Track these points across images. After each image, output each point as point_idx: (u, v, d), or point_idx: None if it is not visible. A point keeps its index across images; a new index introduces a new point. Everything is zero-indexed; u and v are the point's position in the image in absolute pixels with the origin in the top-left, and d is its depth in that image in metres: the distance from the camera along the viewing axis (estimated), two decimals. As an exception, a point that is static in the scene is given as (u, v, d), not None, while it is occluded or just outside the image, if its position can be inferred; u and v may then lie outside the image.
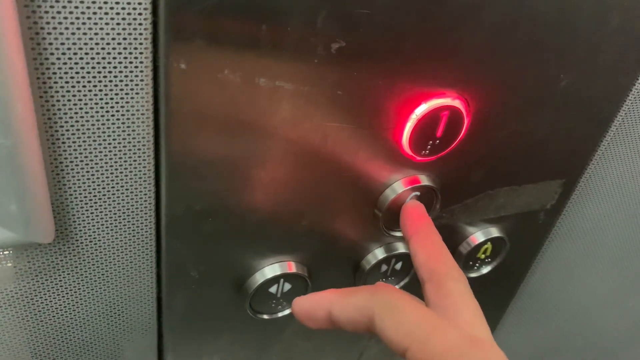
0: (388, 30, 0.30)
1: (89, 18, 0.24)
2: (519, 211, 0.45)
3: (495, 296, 0.54)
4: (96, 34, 0.25)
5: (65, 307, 0.34)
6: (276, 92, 0.30)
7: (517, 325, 0.60)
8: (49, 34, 0.24)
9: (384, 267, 0.42)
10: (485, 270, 0.47)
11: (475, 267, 0.47)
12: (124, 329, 0.37)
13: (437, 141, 0.36)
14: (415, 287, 0.45)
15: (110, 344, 0.38)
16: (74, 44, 0.24)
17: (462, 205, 0.42)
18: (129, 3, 0.25)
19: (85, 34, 0.24)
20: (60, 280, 0.32)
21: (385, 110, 0.33)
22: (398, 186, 0.37)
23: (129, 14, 0.25)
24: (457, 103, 0.34)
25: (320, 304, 0.30)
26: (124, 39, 0.25)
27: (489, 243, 0.45)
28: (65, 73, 0.25)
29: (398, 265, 0.43)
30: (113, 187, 0.30)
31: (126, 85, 0.27)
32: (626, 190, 0.49)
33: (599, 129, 0.42)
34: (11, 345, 0.34)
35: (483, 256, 0.46)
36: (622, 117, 0.42)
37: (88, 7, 0.24)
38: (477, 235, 0.45)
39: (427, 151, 0.36)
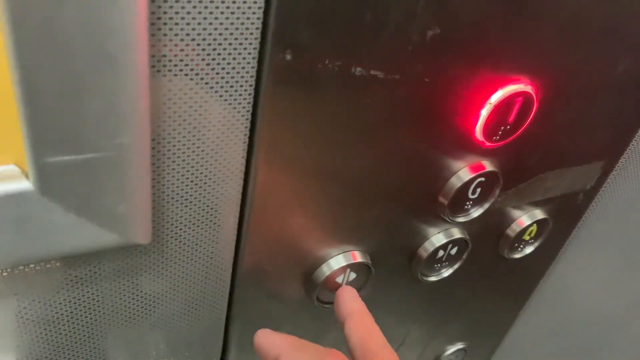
0: (478, 18, 0.30)
1: (202, 13, 0.23)
2: (562, 193, 0.46)
3: (527, 273, 0.55)
4: (210, 25, 0.24)
5: (147, 303, 0.33)
6: (369, 80, 0.29)
7: (541, 303, 0.62)
8: (168, 30, 0.22)
9: (440, 253, 0.43)
10: (529, 250, 0.49)
11: (520, 249, 0.48)
12: (195, 321, 0.36)
13: (508, 127, 0.36)
14: (466, 270, 0.46)
15: (181, 337, 0.37)
16: (191, 38, 0.23)
17: (516, 189, 0.42)
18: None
19: (201, 29, 0.23)
20: (146, 279, 0.31)
21: (464, 97, 0.33)
22: (464, 173, 0.38)
23: (240, 7, 0.24)
24: (529, 89, 0.35)
25: (273, 350, 0.31)
26: (236, 29, 0.24)
27: (534, 225, 0.46)
28: (177, 67, 0.24)
29: (454, 251, 0.43)
30: (205, 183, 0.29)
31: (232, 77, 0.26)
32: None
33: (641, 112, 0.44)
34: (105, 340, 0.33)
35: (528, 237, 0.47)
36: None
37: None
38: (524, 219, 0.45)
39: (498, 137, 0.36)
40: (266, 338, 0.32)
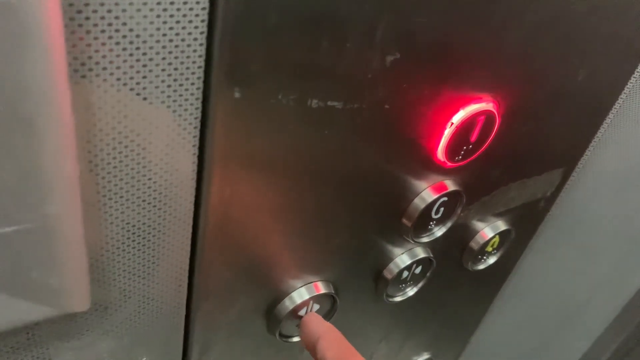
0: (439, 39, 0.28)
1: (139, 60, 0.20)
2: (524, 202, 0.45)
3: (490, 280, 0.55)
4: (145, 67, 0.20)
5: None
6: (326, 112, 0.27)
7: (504, 304, 0.62)
8: (95, 77, 0.19)
9: (405, 274, 0.41)
10: (491, 261, 0.48)
11: (483, 260, 0.47)
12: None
13: (471, 146, 0.34)
14: (430, 286, 0.45)
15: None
16: (122, 82, 0.20)
17: (479, 203, 0.41)
18: (179, 32, 0.21)
19: (135, 72, 0.20)
20: (89, 338, 0.28)
21: (425, 119, 0.31)
22: (427, 194, 0.36)
23: (179, 38, 0.21)
24: (491, 107, 0.33)
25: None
26: (175, 69, 0.21)
27: (497, 236, 0.45)
28: (111, 112, 0.21)
29: (418, 270, 0.42)
30: (149, 233, 0.26)
31: (174, 120, 0.23)
32: (615, 176, 0.51)
33: (599, 118, 0.43)
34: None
35: (490, 249, 0.46)
36: (619, 105, 0.44)
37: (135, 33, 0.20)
38: (487, 231, 0.45)
39: (460, 156, 0.35)
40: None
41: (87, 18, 0.18)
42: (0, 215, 0.18)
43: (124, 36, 0.19)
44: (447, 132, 0.32)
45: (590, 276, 0.73)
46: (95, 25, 0.18)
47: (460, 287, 0.51)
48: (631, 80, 0.42)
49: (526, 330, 0.74)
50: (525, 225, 0.49)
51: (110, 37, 0.19)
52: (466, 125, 0.33)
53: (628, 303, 0.90)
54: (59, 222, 0.20)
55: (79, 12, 0.18)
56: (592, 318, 0.87)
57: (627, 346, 0.99)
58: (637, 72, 0.42)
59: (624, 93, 0.43)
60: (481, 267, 0.48)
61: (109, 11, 0.19)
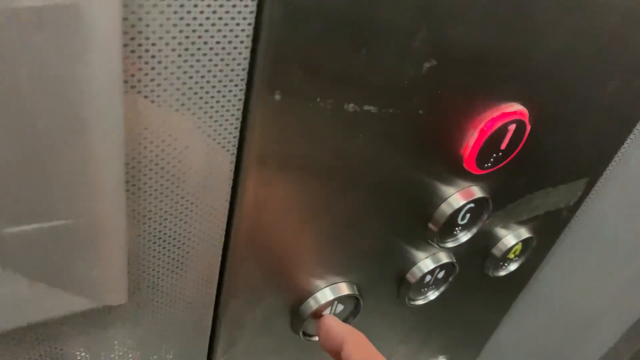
0: (474, 48, 0.28)
1: (189, 50, 0.20)
2: (547, 210, 0.45)
3: (509, 286, 0.55)
4: (191, 66, 0.21)
5: (126, 352, 0.31)
6: (362, 116, 0.27)
7: (521, 310, 0.61)
8: (148, 82, 0.20)
9: (427, 278, 0.41)
10: (513, 267, 0.48)
11: (504, 267, 0.47)
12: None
13: (500, 153, 0.34)
14: (451, 290, 0.45)
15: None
16: (168, 92, 0.21)
17: (504, 211, 0.41)
18: (226, 34, 0.21)
19: (184, 73, 0.21)
20: (123, 332, 0.29)
21: (457, 126, 0.32)
22: (454, 200, 0.36)
23: (224, 44, 0.21)
24: (522, 115, 0.33)
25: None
26: (220, 70, 0.22)
27: (519, 244, 0.45)
28: (157, 106, 0.21)
29: (441, 274, 0.42)
30: (186, 230, 0.27)
31: (216, 121, 0.23)
32: (636, 189, 0.50)
33: (625, 130, 0.43)
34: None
35: (512, 256, 0.46)
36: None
37: (184, 31, 0.20)
38: (509, 238, 0.45)
39: (489, 164, 0.35)
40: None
41: (140, 32, 0.19)
42: (51, 209, 0.19)
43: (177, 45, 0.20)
44: (478, 139, 0.33)
45: (607, 287, 0.73)
46: (147, 38, 0.19)
47: (480, 292, 0.51)
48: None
49: (541, 338, 0.74)
50: (547, 233, 0.49)
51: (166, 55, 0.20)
52: (497, 133, 0.33)
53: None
54: (105, 218, 0.20)
55: (132, 25, 0.18)
56: (607, 328, 0.87)
57: (641, 358, 0.98)
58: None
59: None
60: (502, 273, 0.48)
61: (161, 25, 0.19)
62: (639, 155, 0.48)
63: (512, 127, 0.33)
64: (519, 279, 0.54)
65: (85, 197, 0.19)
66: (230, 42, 0.21)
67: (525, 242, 0.46)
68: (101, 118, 0.17)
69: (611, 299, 0.77)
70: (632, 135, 0.44)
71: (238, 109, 0.24)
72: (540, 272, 0.56)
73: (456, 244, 0.39)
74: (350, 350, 0.32)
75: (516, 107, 0.33)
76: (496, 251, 0.45)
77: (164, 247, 0.27)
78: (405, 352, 0.51)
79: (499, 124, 0.32)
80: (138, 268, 0.26)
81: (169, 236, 0.27)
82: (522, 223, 0.45)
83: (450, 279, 0.43)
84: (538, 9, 0.29)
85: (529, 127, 0.34)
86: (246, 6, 0.21)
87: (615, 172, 0.48)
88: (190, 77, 0.21)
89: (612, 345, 0.96)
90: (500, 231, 0.44)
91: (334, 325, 0.34)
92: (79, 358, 0.28)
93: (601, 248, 0.61)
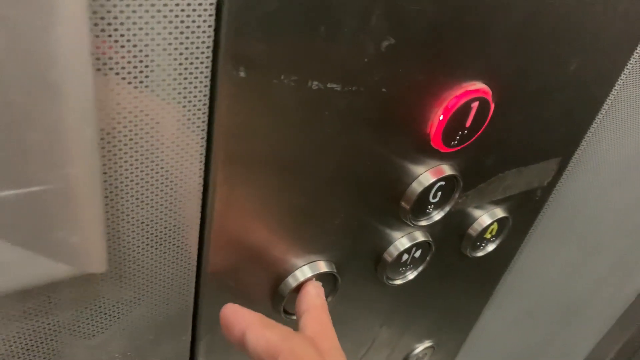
0: (433, 26, 0.30)
1: (150, 23, 0.22)
2: (521, 190, 0.47)
3: (490, 268, 0.56)
4: (158, 45, 0.23)
5: (106, 324, 0.32)
6: (326, 93, 0.29)
7: (505, 295, 0.63)
8: (115, 50, 0.21)
9: (404, 257, 0.43)
10: (491, 248, 0.49)
11: (482, 247, 0.49)
12: (159, 343, 0.35)
13: (466, 131, 0.36)
14: (431, 271, 0.46)
15: (144, 357, 0.36)
16: (137, 56, 0.22)
17: (476, 190, 0.43)
18: (190, 13, 0.23)
19: (149, 43, 0.22)
20: (104, 303, 0.30)
21: (421, 105, 0.33)
22: (424, 178, 0.38)
23: (188, 23, 0.23)
24: (485, 93, 0.35)
25: (240, 324, 0.30)
26: (186, 48, 0.23)
27: (495, 223, 0.47)
28: (127, 82, 0.23)
29: (417, 253, 0.43)
30: (162, 205, 0.28)
31: (184, 97, 0.25)
32: (611, 164, 0.52)
33: (594, 109, 0.45)
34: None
35: (489, 236, 0.48)
36: (613, 97, 0.45)
37: (150, 12, 0.22)
38: (485, 218, 0.46)
39: (456, 141, 0.36)
40: (234, 312, 0.31)
41: (108, 11, 0.20)
42: (26, 175, 0.21)
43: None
44: (442, 117, 0.34)
45: (591, 271, 0.74)
46: (116, 18, 0.21)
47: (460, 274, 0.52)
48: (624, 72, 0.44)
49: (529, 324, 0.75)
50: (523, 214, 0.50)
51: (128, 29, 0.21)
52: (460, 111, 0.34)
53: (635, 301, 0.91)
54: (81, 183, 0.22)
55: (102, 5, 0.20)
56: (597, 314, 0.88)
57: (634, 345, 1.00)
58: (630, 64, 0.44)
59: (618, 84, 0.44)
60: (480, 254, 0.49)
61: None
62: (611, 132, 0.49)
63: (475, 104, 0.35)
64: (500, 261, 0.56)
65: (60, 163, 0.21)
66: (194, 21, 0.23)
67: (501, 222, 0.47)
68: (71, 83, 0.19)
69: (598, 285, 0.78)
70: (600, 114, 0.46)
71: (205, 86, 0.25)
72: (520, 256, 0.58)
73: (430, 222, 0.41)
74: (307, 323, 0.33)
75: (478, 85, 0.34)
76: (472, 231, 0.46)
77: (142, 222, 0.28)
78: (389, 335, 0.53)
79: (462, 101, 0.34)
80: (117, 242, 0.28)
81: (147, 211, 0.28)
82: (496, 203, 0.46)
83: (428, 258, 0.45)
84: (491, -11, 0.30)
85: (492, 106, 0.36)
86: (206, -14, 0.23)
87: (587, 152, 0.50)
88: (159, 55, 0.23)
89: (603, 333, 0.97)
90: (475, 211, 0.46)
91: (309, 293, 0.36)
92: (63, 330, 0.29)
93: (581, 231, 0.62)
